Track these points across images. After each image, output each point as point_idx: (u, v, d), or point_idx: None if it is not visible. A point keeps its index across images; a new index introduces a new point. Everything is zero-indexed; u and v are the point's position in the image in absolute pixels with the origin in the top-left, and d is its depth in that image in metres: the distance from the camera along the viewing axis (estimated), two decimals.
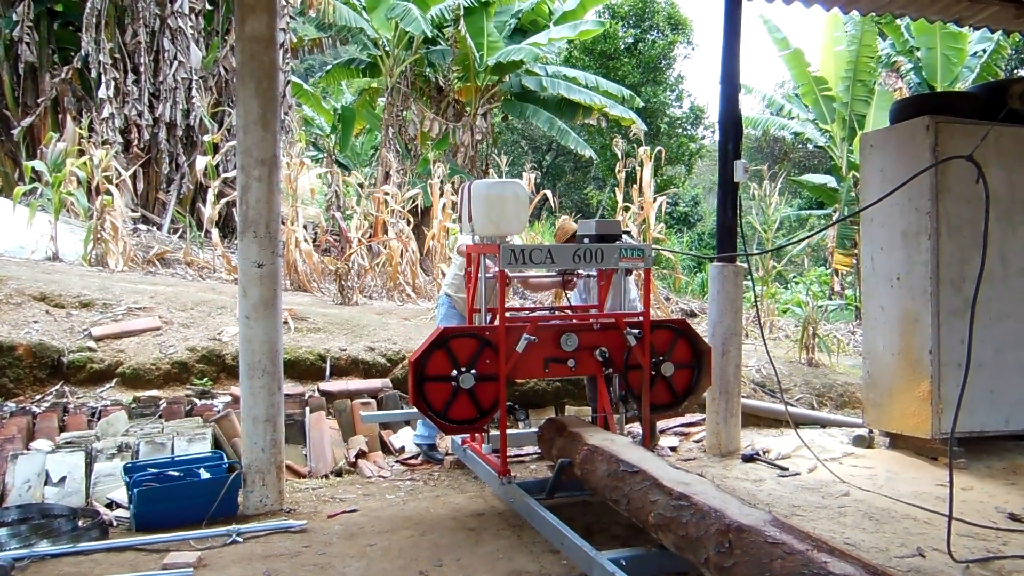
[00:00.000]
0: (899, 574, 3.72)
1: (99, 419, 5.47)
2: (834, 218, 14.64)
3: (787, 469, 5.64)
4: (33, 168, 10.27)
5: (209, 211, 10.49)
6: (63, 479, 4.81)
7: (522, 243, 5.59)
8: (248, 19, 4.72)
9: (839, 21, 14.30)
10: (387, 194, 11.36)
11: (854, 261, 13.65)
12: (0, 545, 4.00)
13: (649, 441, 5.15)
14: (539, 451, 5.36)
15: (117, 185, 10.23)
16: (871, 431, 6.31)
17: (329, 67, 18.07)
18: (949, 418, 5.31)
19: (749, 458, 5.89)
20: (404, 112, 16.10)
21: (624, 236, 5.03)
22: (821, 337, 8.68)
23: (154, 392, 5.93)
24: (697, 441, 6.48)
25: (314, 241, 11.27)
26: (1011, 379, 5.82)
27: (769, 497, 4.99)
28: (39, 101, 13.05)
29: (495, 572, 3.80)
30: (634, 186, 11.87)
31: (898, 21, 13.88)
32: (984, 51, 14.04)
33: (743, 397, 6.50)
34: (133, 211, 11.70)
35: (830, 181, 15.42)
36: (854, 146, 13.62)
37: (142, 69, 13.00)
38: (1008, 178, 5.86)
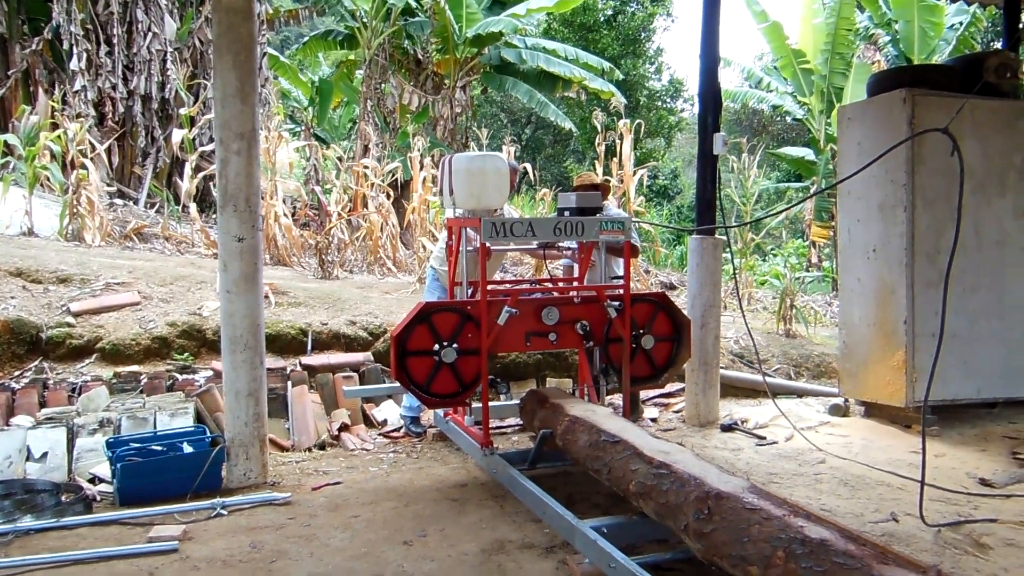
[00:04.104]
0: (873, 538, 3.80)
1: (80, 395, 5.45)
2: (812, 190, 14.72)
3: (765, 438, 5.73)
4: (5, 142, 10.11)
5: (187, 185, 10.40)
6: (45, 455, 4.80)
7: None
8: None
9: None
10: (366, 167, 11.29)
11: (831, 233, 13.75)
12: None
13: (631, 413, 5.21)
14: (521, 423, 5.41)
15: (92, 159, 10.10)
16: (847, 400, 6.42)
17: (306, 39, 17.81)
18: (923, 387, 5.41)
19: (728, 428, 5.97)
20: (383, 85, 15.95)
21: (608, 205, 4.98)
22: (799, 308, 8.79)
23: (135, 367, 5.91)
24: (677, 412, 6.57)
25: (293, 215, 11.21)
26: (984, 349, 5.93)
27: (747, 465, 5.08)
28: (9, 73, 12.81)
29: (478, 541, 3.86)
30: (614, 159, 11.87)
31: None
32: (961, 24, 14.09)
33: (722, 368, 6.59)
34: (109, 185, 11.57)
35: (808, 154, 15.48)
36: (832, 119, 13.67)
37: (115, 41, 12.79)
38: (983, 150, 5.93)
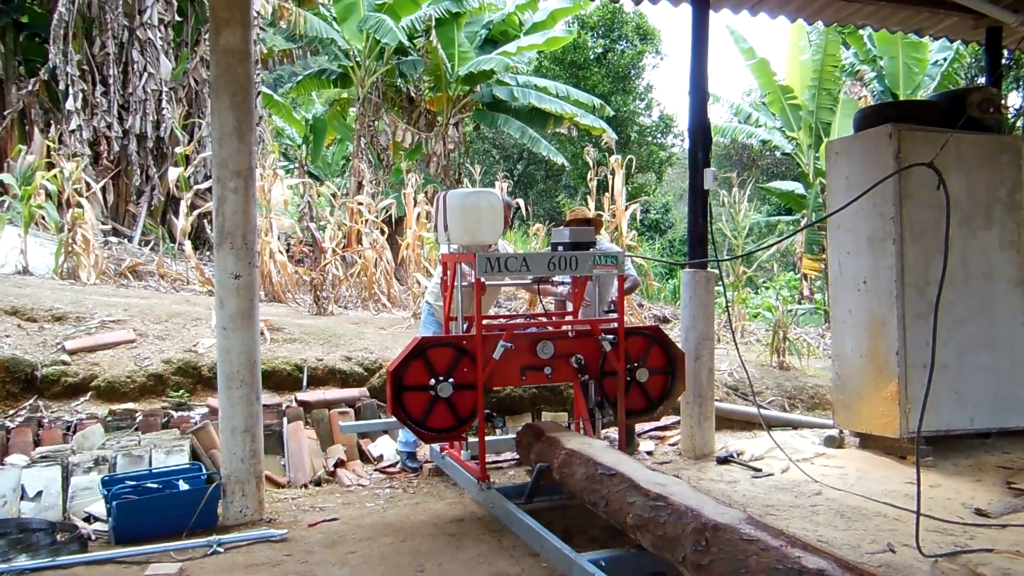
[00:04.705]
0: (871, 569, 3.81)
1: (75, 433, 5.43)
2: (802, 224, 14.86)
3: (761, 470, 5.74)
4: (1, 181, 10.17)
5: (182, 223, 10.44)
6: (39, 494, 4.78)
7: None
8: (223, 32, 4.75)
9: (804, 31, 14.56)
10: (360, 204, 11.37)
11: (822, 266, 13.85)
12: None
13: (626, 446, 5.22)
14: (517, 457, 5.41)
15: (87, 197, 10.15)
16: (841, 432, 6.44)
17: (299, 78, 18.03)
18: (916, 418, 5.45)
19: (723, 460, 5.98)
20: (376, 122, 16.12)
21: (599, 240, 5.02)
22: (791, 341, 8.83)
23: (130, 405, 5.90)
24: (672, 444, 6.57)
25: (288, 252, 11.25)
26: (974, 379, 5.98)
27: (744, 497, 5.09)
28: (5, 113, 12.93)
29: None
30: (606, 194, 11.98)
31: (861, 31, 14.19)
32: (944, 60, 14.39)
33: (716, 401, 6.60)
34: (104, 223, 11.61)
35: (797, 187, 15.66)
36: (820, 153, 13.85)
37: (111, 81, 12.92)
38: (968, 184, 6.03)
